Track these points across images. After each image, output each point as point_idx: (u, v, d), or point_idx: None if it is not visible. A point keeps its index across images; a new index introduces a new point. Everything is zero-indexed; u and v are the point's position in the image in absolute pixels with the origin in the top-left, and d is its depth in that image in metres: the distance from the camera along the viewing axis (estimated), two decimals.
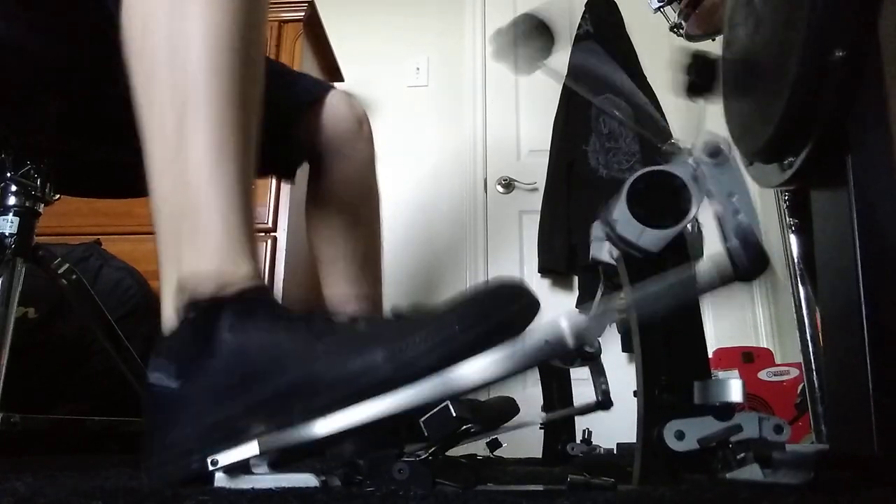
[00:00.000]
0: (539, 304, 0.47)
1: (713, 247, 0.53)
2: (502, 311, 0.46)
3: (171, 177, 0.52)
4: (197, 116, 0.52)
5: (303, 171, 1.13)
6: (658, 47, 2.44)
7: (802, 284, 0.97)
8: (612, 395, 0.95)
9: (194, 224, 0.51)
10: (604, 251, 0.55)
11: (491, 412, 0.97)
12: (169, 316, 0.52)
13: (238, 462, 0.44)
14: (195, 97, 0.52)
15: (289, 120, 1.03)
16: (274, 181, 1.76)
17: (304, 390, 0.45)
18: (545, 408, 1.07)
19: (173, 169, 0.52)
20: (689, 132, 2.38)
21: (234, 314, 0.49)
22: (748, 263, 0.44)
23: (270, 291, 0.52)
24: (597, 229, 0.56)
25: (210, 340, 0.48)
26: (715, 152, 0.47)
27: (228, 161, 0.52)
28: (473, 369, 0.43)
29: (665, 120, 2.34)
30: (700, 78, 0.82)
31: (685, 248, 0.49)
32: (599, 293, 0.67)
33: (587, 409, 0.99)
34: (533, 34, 0.71)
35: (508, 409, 1.01)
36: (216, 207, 0.51)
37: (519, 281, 0.49)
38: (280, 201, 1.77)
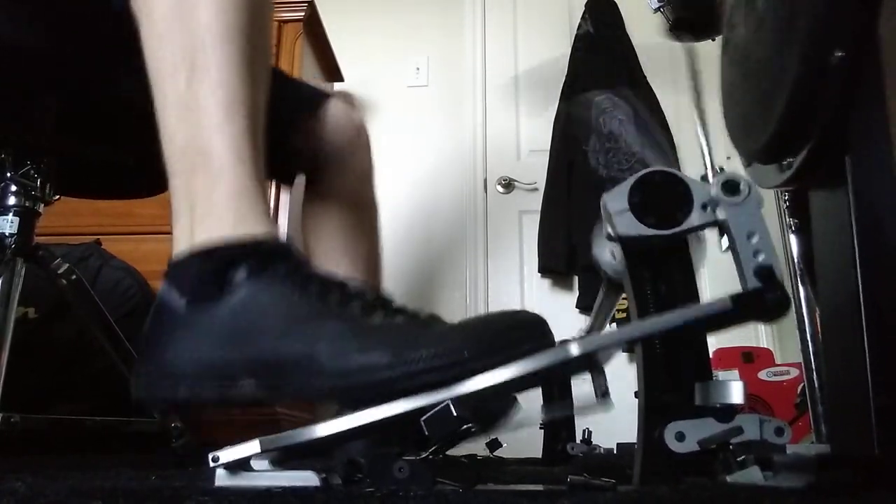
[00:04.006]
0: (553, 343, 0.47)
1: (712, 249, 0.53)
2: (514, 348, 0.45)
3: (182, 131, 0.53)
4: (206, 74, 0.53)
5: (300, 179, 1.13)
6: (658, 47, 2.45)
7: (802, 284, 0.97)
8: (612, 396, 0.95)
9: (206, 175, 0.52)
10: (605, 253, 0.55)
11: (490, 410, 0.97)
12: (181, 244, 0.52)
13: (239, 459, 0.44)
14: (204, 56, 0.53)
15: (287, 127, 1.02)
16: (273, 183, 1.75)
17: (303, 369, 0.45)
18: (545, 405, 1.07)
19: (184, 124, 0.53)
20: (687, 131, 2.38)
21: (252, 262, 0.49)
22: (771, 305, 0.44)
23: (292, 250, 0.52)
24: (598, 231, 0.56)
25: (224, 282, 0.48)
26: (734, 189, 0.47)
27: (237, 117, 0.53)
28: (475, 383, 0.43)
29: (665, 120, 2.34)
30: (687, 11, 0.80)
31: (688, 249, 0.49)
32: (601, 294, 0.67)
33: (587, 409, 0.99)
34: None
35: (507, 406, 1.01)
36: (227, 159, 0.52)
37: (539, 318, 0.48)
38: (280, 202, 1.77)
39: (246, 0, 0.55)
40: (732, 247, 0.46)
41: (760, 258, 0.45)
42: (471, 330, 0.47)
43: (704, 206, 0.47)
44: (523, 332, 0.47)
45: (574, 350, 0.43)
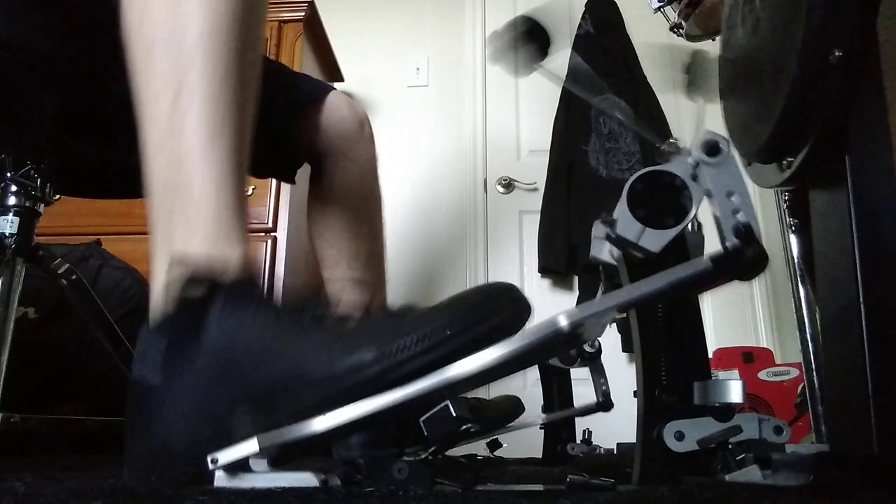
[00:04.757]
0: (531, 309, 0.47)
1: (713, 245, 0.53)
2: (495, 315, 0.45)
3: (165, 155, 0.52)
4: (192, 97, 0.52)
5: (304, 173, 1.13)
6: (658, 47, 2.44)
7: (802, 284, 0.97)
8: (612, 396, 0.95)
9: (186, 202, 0.51)
10: (604, 251, 0.55)
11: (494, 412, 0.97)
12: (157, 302, 0.51)
13: (237, 461, 0.44)
14: (190, 78, 0.52)
15: (288, 120, 1.03)
16: (274, 181, 1.76)
17: (291, 388, 0.45)
18: (545, 408, 1.07)
19: (167, 148, 0.52)
20: (689, 131, 2.37)
21: (222, 306, 0.48)
22: (748, 262, 0.44)
23: (259, 281, 0.52)
24: (597, 229, 0.56)
25: (196, 334, 0.48)
26: (713, 150, 0.47)
27: (222, 141, 0.52)
28: (467, 365, 0.43)
29: (665, 120, 2.34)
30: (698, 77, 0.82)
31: (686, 248, 0.49)
32: (600, 293, 0.67)
33: (587, 411, 0.99)
34: (530, 36, 0.70)
35: (512, 408, 1.01)
36: (208, 186, 0.51)
37: (511, 285, 0.48)
38: (280, 201, 1.77)
39: (237, 20, 0.55)
40: (712, 206, 0.46)
41: (739, 217, 0.45)
42: (448, 308, 0.46)
43: (695, 178, 0.47)
44: (499, 299, 0.47)
45: (563, 322, 0.42)
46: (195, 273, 0.49)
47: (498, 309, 0.46)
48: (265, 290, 0.52)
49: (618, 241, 0.49)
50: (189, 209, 0.51)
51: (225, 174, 0.52)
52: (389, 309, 0.50)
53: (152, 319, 0.51)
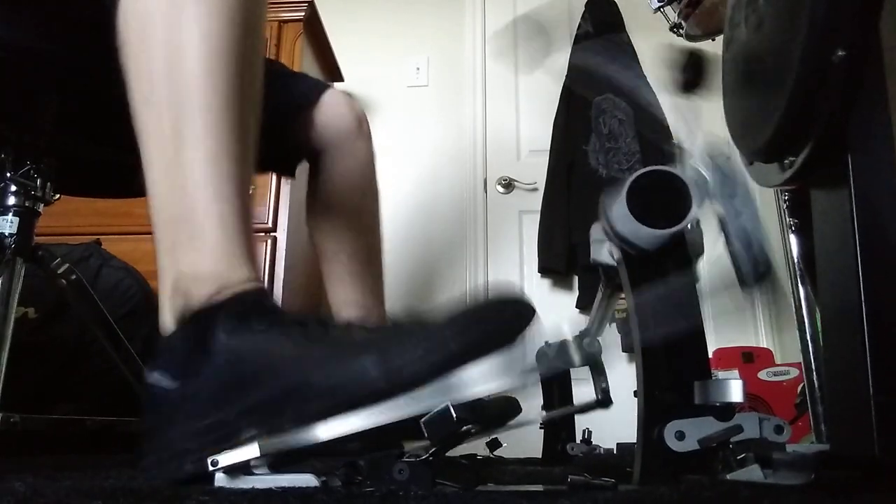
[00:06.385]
0: (534, 312, 0.47)
1: (715, 247, 0.53)
2: (495, 317, 0.46)
3: (168, 182, 0.52)
4: (194, 122, 0.52)
5: (303, 169, 1.14)
6: (658, 47, 2.45)
7: (802, 284, 0.97)
8: (612, 396, 0.95)
9: (191, 229, 0.51)
10: (604, 253, 0.55)
11: (492, 412, 0.97)
12: (167, 319, 0.52)
13: (238, 463, 0.44)
14: (192, 103, 0.52)
15: (287, 119, 1.03)
16: (274, 181, 1.76)
17: (297, 396, 0.45)
18: (545, 406, 1.07)
19: (170, 174, 0.52)
20: (686, 132, 2.38)
21: (230, 318, 0.49)
22: (752, 267, 0.44)
23: (268, 293, 0.52)
24: (596, 231, 0.56)
25: (206, 344, 0.48)
26: (717, 155, 0.47)
27: (225, 166, 0.52)
28: (473, 377, 0.43)
29: (665, 120, 2.34)
30: (694, 75, 0.82)
31: (686, 248, 0.49)
32: (600, 294, 0.67)
33: (587, 408, 0.99)
34: (531, 36, 0.72)
35: (510, 409, 1.01)
36: (213, 212, 0.51)
37: (514, 288, 0.48)
38: (280, 201, 1.77)
39: (237, 43, 0.54)
40: (716, 211, 0.46)
41: (742, 220, 0.45)
42: (453, 322, 0.46)
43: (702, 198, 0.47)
44: (501, 299, 0.47)
45: (566, 328, 0.43)
46: (200, 298, 0.50)
47: (498, 311, 0.46)
48: (272, 305, 0.52)
49: (617, 239, 0.49)
50: (194, 237, 0.51)
51: (229, 200, 0.52)
52: (395, 317, 0.50)
53: (164, 329, 0.52)
